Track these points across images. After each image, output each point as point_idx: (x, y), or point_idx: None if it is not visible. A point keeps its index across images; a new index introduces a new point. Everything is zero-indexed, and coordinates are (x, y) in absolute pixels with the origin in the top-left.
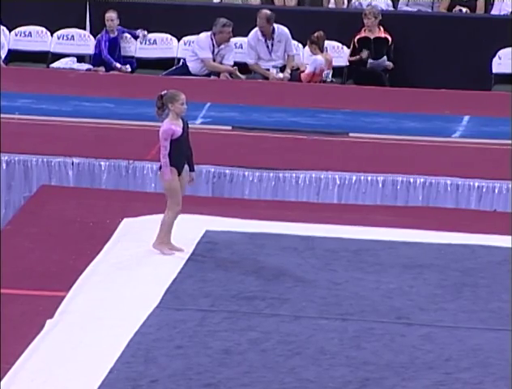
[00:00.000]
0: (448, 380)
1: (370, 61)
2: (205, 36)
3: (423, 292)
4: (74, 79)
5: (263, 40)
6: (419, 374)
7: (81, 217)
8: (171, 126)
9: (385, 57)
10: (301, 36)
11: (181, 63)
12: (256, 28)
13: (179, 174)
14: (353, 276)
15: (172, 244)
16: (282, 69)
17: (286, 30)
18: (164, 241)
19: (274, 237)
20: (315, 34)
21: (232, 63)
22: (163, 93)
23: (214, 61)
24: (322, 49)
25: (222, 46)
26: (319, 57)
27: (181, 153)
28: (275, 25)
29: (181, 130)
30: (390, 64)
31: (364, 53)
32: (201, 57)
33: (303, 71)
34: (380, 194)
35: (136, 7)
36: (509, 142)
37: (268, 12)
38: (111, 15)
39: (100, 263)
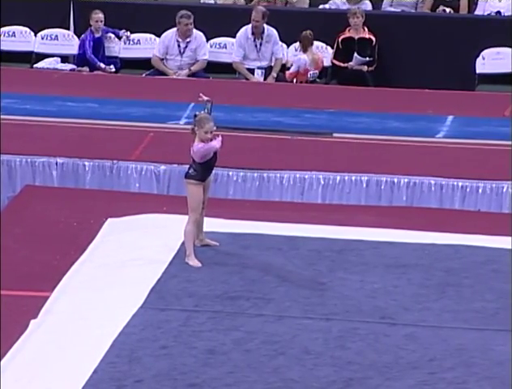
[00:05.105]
0: (432, 380)
1: (355, 56)
2: (171, 32)
3: (407, 291)
4: (58, 79)
5: (252, 39)
6: (403, 374)
7: (65, 217)
8: (204, 145)
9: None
10: (286, 36)
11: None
12: (246, 26)
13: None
14: (337, 276)
15: (205, 240)
16: (267, 70)
17: (275, 32)
18: (192, 253)
19: (258, 237)
20: (302, 33)
21: (207, 57)
22: (196, 113)
23: (181, 55)
24: (306, 49)
25: (188, 40)
26: (303, 57)
27: (209, 168)
28: (265, 26)
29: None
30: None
31: (351, 64)
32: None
33: (288, 68)
34: (364, 194)
35: (120, 7)
36: (492, 142)
37: (264, 8)
38: (99, 16)
39: (84, 263)
